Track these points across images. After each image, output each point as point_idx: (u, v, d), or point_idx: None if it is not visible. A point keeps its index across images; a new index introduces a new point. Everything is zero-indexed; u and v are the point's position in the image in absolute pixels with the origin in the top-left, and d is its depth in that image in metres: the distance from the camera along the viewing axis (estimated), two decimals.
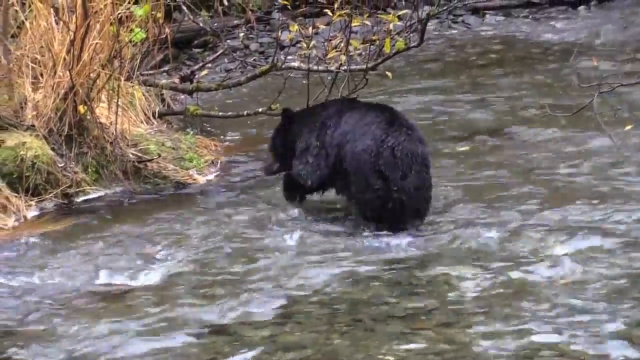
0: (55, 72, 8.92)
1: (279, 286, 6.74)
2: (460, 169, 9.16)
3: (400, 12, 9.54)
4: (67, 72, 8.80)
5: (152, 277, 7.07)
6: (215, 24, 12.91)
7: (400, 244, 7.38)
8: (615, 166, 9.00)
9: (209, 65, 11.90)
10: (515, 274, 6.72)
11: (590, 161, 9.15)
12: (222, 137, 10.65)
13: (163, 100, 10.82)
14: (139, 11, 9.07)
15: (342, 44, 9.27)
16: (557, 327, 5.87)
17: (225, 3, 13.49)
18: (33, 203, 8.56)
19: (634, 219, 7.60)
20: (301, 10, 14.23)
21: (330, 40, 9.55)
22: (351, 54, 9.19)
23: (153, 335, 6.03)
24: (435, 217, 7.81)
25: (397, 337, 5.83)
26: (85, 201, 8.82)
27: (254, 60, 13.21)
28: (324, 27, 9.88)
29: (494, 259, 7.02)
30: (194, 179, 9.43)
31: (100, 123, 9.21)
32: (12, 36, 9.47)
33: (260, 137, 10.27)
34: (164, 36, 10.06)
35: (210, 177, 9.56)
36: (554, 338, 5.75)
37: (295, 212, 8.16)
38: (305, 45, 9.32)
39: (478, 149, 9.88)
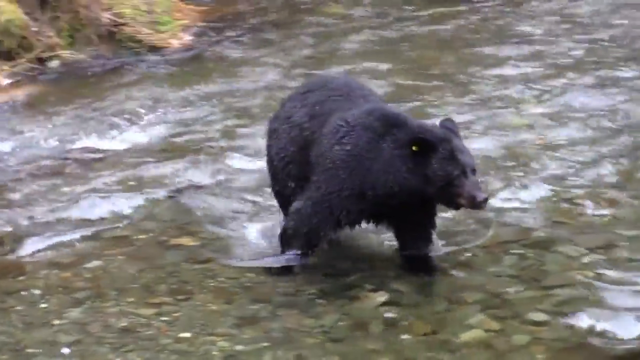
0: None
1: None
2: None
3: None
4: None
5: (123, 141, 7.17)
6: None
7: None
8: None
9: None
10: None
11: None
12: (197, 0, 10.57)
13: None
14: None
15: None
16: None
17: None
18: (7, 67, 8.57)
19: None
20: None
21: None
22: None
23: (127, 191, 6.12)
24: None
25: None
26: (60, 66, 8.82)
27: None
28: None
29: None
30: (168, 43, 9.43)
31: None
32: None
33: (235, 1, 10.21)
34: None
35: (185, 40, 9.55)
36: None
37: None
38: None
39: None
